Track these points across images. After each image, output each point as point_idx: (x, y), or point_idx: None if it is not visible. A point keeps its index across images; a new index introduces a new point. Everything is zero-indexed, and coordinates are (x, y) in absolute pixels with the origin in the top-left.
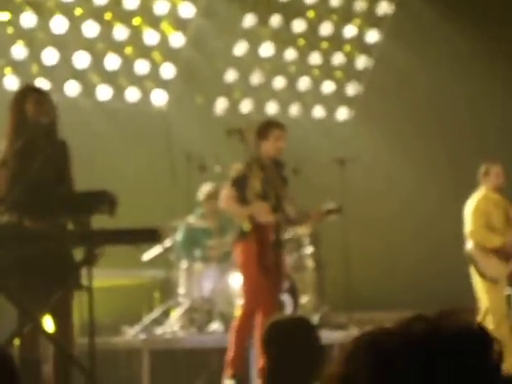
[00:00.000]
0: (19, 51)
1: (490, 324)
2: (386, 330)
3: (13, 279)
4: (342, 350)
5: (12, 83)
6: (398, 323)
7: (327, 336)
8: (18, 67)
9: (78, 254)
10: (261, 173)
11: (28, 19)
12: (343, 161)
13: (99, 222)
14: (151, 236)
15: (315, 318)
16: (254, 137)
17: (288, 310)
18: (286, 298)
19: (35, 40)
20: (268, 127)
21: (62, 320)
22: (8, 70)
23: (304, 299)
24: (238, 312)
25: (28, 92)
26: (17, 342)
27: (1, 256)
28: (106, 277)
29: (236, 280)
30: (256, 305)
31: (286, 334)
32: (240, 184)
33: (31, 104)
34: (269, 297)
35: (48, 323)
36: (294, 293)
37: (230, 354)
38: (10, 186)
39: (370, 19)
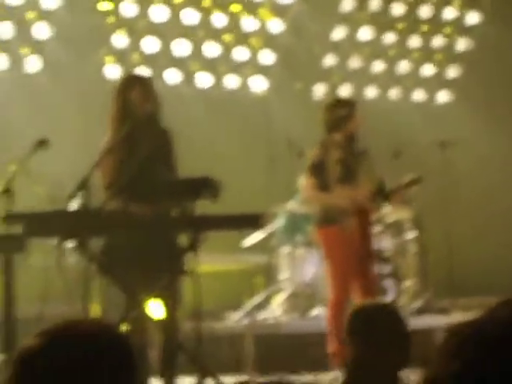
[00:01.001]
0: (120, 40)
1: None
2: (483, 320)
3: (120, 264)
4: (443, 346)
5: (113, 72)
6: (487, 311)
7: (430, 321)
8: (119, 56)
9: (182, 239)
10: (337, 153)
11: (128, 8)
12: (444, 143)
13: (200, 207)
14: (254, 222)
15: (418, 303)
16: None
17: (390, 295)
18: (388, 283)
19: (136, 29)
20: (352, 106)
21: (169, 305)
22: (109, 59)
23: (407, 284)
24: (328, 301)
25: (132, 80)
26: (124, 327)
27: (107, 242)
28: (207, 262)
29: None
30: (346, 291)
31: (370, 322)
32: (318, 170)
33: (136, 92)
34: (363, 282)
35: (156, 308)
36: (397, 278)
37: (331, 346)
38: (117, 172)
39: (470, 0)
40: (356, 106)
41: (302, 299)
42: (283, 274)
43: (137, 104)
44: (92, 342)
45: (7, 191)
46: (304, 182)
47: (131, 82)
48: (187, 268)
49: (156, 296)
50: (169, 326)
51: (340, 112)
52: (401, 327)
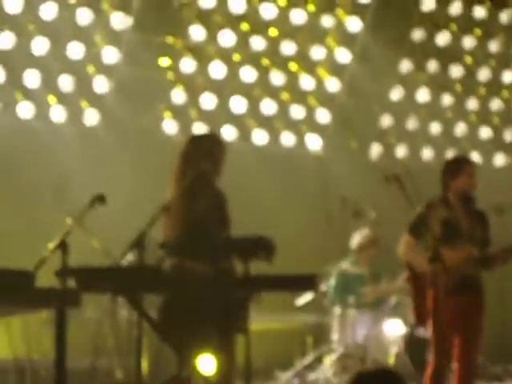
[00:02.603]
0: (179, 96)
1: None
2: None
3: (173, 322)
4: None
5: (171, 127)
6: None
7: None
8: (178, 111)
9: (237, 297)
10: (443, 213)
11: (188, 64)
12: (501, 208)
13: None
14: (309, 283)
15: None
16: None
17: None
18: None
19: (194, 85)
20: (459, 164)
21: (223, 364)
22: (168, 114)
23: None
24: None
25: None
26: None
27: (163, 299)
28: (258, 320)
29: (389, 327)
30: (441, 360)
31: None
32: (418, 229)
33: (199, 152)
34: (457, 352)
35: (208, 365)
36: None
37: None
38: (173, 230)
39: None
40: (465, 164)
41: (352, 361)
42: (334, 335)
43: (195, 161)
44: None
45: (62, 245)
46: (403, 239)
47: (196, 144)
48: (241, 327)
49: (208, 353)
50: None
51: (446, 171)
52: None
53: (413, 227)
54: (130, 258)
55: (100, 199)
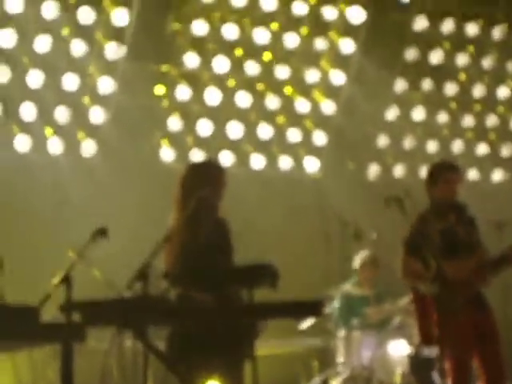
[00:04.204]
0: (175, 123)
1: None
2: None
3: (179, 352)
4: None
5: (168, 155)
6: None
7: None
8: (174, 139)
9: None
10: (439, 225)
11: (183, 92)
12: (500, 224)
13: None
14: (314, 308)
15: None
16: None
17: None
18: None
19: (190, 112)
20: (436, 170)
21: None
22: (164, 142)
23: None
24: None
25: (198, 168)
26: None
27: (169, 330)
28: (263, 346)
29: (394, 348)
30: (459, 375)
31: None
32: (415, 245)
33: (199, 179)
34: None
35: None
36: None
37: None
38: (176, 260)
39: None
40: (443, 171)
41: (358, 382)
42: (340, 358)
43: (198, 189)
44: None
45: (66, 279)
46: (399, 261)
47: (196, 171)
48: (248, 353)
49: (215, 380)
50: None
51: (426, 179)
52: None
53: (409, 244)
54: (134, 289)
55: (102, 232)
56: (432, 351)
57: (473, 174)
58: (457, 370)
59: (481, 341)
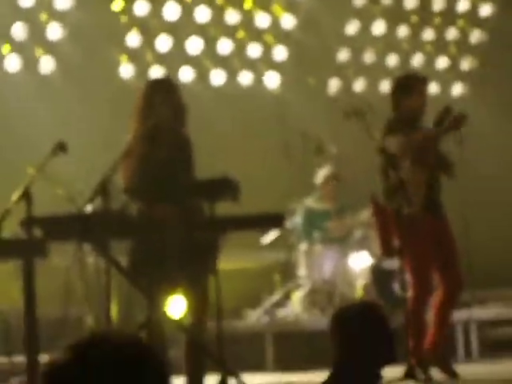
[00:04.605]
0: (133, 39)
1: None
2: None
3: (141, 266)
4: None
5: (127, 71)
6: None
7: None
8: (133, 55)
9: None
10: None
11: (141, 7)
12: (460, 138)
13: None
14: (275, 221)
15: None
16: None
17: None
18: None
19: (149, 27)
20: (411, 81)
21: (195, 306)
22: (123, 58)
23: None
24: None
25: (157, 84)
26: (144, 329)
27: (129, 243)
28: (225, 260)
29: (356, 261)
30: (421, 286)
31: (351, 323)
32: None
33: (159, 96)
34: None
35: (179, 307)
36: None
37: (410, 343)
38: (137, 174)
39: None
40: (417, 82)
41: (321, 296)
42: (301, 271)
43: (158, 106)
44: (124, 359)
45: (26, 195)
46: (388, 141)
47: (155, 86)
48: (211, 268)
49: (179, 295)
50: (195, 326)
51: (397, 89)
52: (379, 326)
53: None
54: (94, 203)
55: (60, 147)
56: (393, 263)
57: (433, 88)
58: (417, 282)
59: (439, 248)
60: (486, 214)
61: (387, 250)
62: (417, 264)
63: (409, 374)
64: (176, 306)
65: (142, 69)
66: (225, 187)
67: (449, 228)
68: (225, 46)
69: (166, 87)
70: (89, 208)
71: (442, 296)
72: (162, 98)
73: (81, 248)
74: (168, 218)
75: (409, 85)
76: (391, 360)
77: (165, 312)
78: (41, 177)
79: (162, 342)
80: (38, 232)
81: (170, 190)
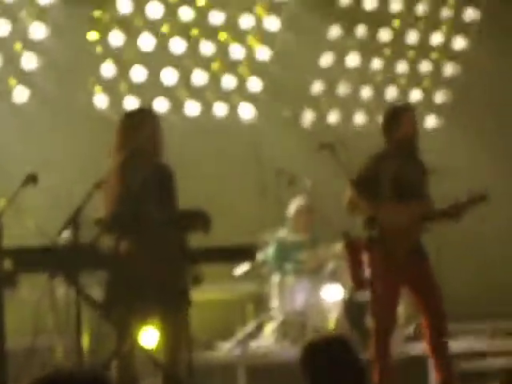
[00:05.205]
0: (108, 69)
1: None
2: None
3: (112, 299)
4: None
5: (102, 102)
6: None
7: (422, 347)
8: (108, 85)
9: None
10: (395, 167)
11: (116, 38)
12: (434, 171)
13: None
14: (247, 254)
15: (410, 329)
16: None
17: None
18: None
19: (123, 58)
20: (399, 112)
21: (170, 336)
22: (98, 89)
23: (399, 310)
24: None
25: (136, 115)
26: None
27: (105, 276)
28: (197, 291)
29: (328, 293)
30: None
31: (321, 355)
32: (363, 184)
33: (138, 126)
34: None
35: (150, 338)
36: None
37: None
38: (107, 206)
39: (457, 26)
40: (405, 112)
41: (293, 328)
42: (274, 303)
43: (133, 137)
44: None
45: None
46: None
47: (144, 118)
48: (184, 300)
49: (151, 327)
50: (168, 358)
51: (388, 120)
52: (349, 359)
53: (357, 181)
54: (65, 236)
55: (32, 179)
56: (365, 295)
57: None
58: (380, 312)
59: (423, 292)
60: (458, 250)
61: (358, 283)
62: (385, 294)
63: None
64: (148, 338)
65: (116, 99)
66: (197, 220)
67: (431, 270)
68: (199, 78)
69: (140, 119)
70: (59, 240)
71: (427, 328)
72: (136, 129)
73: (51, 279)
74: (132, 254)
75: (396, 116)
76: None
77: (137, 343)
78: (11, 208)
79: (132, 373)
80: (7, 264)
81: (142, 222)
